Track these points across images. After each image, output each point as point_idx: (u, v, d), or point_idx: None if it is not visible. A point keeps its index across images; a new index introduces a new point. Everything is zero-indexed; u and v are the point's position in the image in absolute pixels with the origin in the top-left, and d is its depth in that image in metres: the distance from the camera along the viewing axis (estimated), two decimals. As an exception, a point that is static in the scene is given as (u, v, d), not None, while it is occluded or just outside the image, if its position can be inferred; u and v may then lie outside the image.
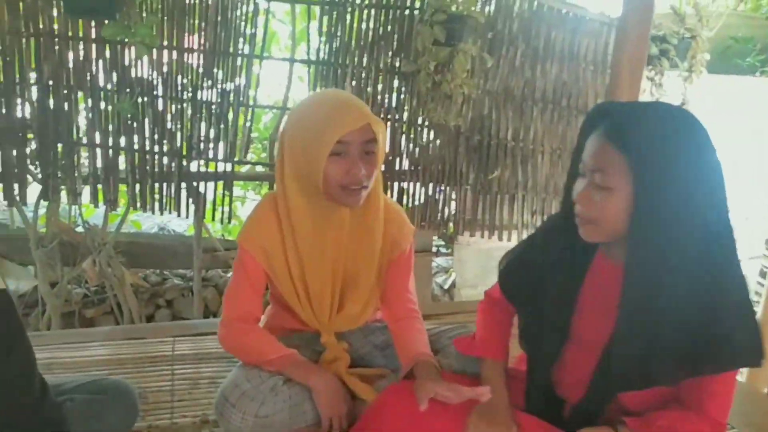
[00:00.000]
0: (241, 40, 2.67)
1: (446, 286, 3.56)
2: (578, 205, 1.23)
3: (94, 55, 2.57)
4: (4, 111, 2.57)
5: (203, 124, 2.73)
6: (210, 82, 2.68)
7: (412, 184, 2.93)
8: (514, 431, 1.35)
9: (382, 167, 1.74)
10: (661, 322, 1.15)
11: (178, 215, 2.85)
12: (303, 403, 1.54)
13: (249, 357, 1.61)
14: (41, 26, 2.52)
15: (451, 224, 3.05)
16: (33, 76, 2.59)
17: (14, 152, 2.63)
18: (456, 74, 2.51)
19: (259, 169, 3.04)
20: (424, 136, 2.86)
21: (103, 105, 2.65)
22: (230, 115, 2.75)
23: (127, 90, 2.60)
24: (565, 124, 3.01)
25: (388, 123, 2.80)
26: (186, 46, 2.64)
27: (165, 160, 2.75)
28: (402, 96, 2.76)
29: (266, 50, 2.79)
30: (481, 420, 1.37)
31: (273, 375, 1.56)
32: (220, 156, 2.80)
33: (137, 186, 2.76)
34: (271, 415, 1.50)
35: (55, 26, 2.54)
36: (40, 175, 2.67)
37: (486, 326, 1.56)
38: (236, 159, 2.81)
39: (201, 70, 2.67)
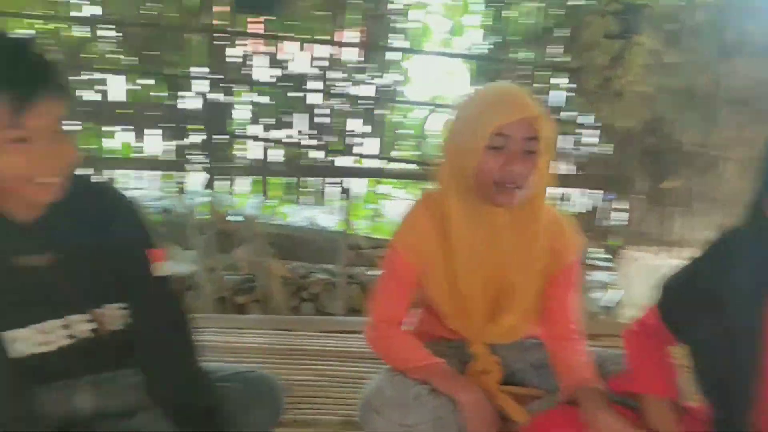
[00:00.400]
0: (394, 34, 2.63)
1: (609, 304, 3.27)
2: None
3: (253, 50, 2.65)
4: (176, 102, 2.72)
5: (354, 120, 2.73)
6: (363, 78, 2.66)
7: (572, 189, 2.72)
8: None
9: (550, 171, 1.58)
10: None
11: (329, 209, 2.87)
12: (448, 416, 1.42)
13: (395, 362, 1.52)
14: (209, 22, 2.64)
15: (612, 236, 2.80)
16: (193, 71, 2.72)
17: (182, 143, 2.78)
18: (629, 70, 2.28)
19: (408, 167, 2.98)
20: (589, 137, 2.64)
21: (260, 99, 2.72)
22: (381, 112, 2.72)
23: (284, 84, 2.65)
24: (759, 128, 2.64)
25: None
26: (341, 40, 2.64)
27: (317, 154, 2.77)
28: (567, 94, 2.57)
29: (420, 45, 2.72)
30: None
31: (418, 383, 1.46)
32: (371, 152, 2.77)
33: (291, 179, 2.81)
34: (415, 425, 1.39)
35: (217, 22, 2.65)
36: (203, 166, 2.81)
37: (643, 357, 1.35)
38: (386, 156, 2.77)
39: (355, 64, 2.65)
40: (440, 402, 1.41)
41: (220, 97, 2.72)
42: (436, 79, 2.74)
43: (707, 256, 1.30)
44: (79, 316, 1.30)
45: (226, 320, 2.24)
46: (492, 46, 2.59)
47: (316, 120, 2.74)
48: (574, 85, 2.55)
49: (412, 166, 2.96)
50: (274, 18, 2.46)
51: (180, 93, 2.72)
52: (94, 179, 1.38)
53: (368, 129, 2.76)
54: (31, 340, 1.28)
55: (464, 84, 2.85)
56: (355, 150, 2.79)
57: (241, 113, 2.78)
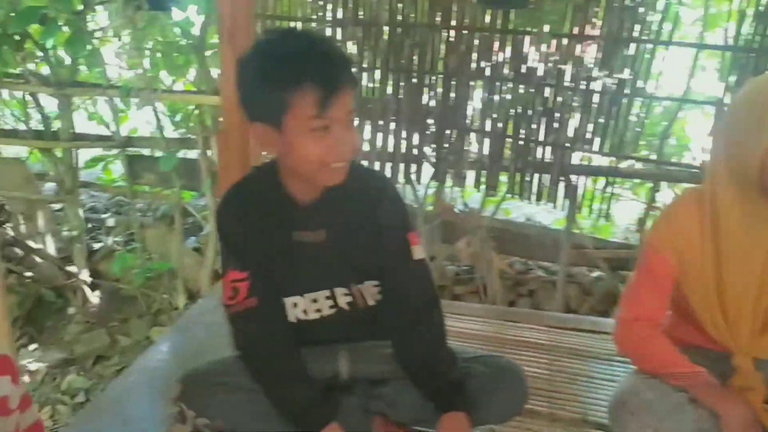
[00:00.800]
0: (639, 26, 2.49)
1: None
2: None
3: (496, 46, 2.68)
4: (413, 97, 2.86)
5: (591, 116, 2.64)
6: (605, 72, 2.57)
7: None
8: None
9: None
10: None
11: (554, 207, 2.83)
12: (710, 428, 1.34)
13: (649, 365, 1.46)
14: (453, 20, 2.73)
15: None
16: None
17: (417, 136, 2.91)
18: None
19: (642, 166, 2.83)
20: None
21: (497, 94, 2.75)
22: (621, 108, 2.60)
23: (520, 81, 2.65)
24: None
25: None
26: (585, 32, 2.58)
27: (547, 151, 2.74)
28: None
29: (672, 36, 2.55)
30: None
31: (678, 390, 1.39)
32: (604, 150, 2.68)
33: (517, 175, 2.81)
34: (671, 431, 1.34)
35: (466, 19, 2.72)
36: (434, 158, 2.92)
37: None
38: (621, 154, 2.65)
39: (597, 58, 2.57)
40: (702, 414, 1.34)
41: (457, 91, 2.79)
42: (683, 74, 2.55)
43: None
44: (342, 290, 1.45)
45: (454, 306, 2.32)
46: (753, 36, 2.35)
47: (552, 116, 2.70)
48: None
49: (648, 166, 2.80)
50: (518, 11, 2.47)
51: (421, 88, 2.85)
52: (364, 167, 1.50)
53: (599, 126, 2.66)
54: (303, 307, 1.44)
55: (714, 79, 2.63)
56: (586, 147, 2.70)
57: (475, 108, 2.84)
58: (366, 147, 2.96)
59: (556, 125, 2.70)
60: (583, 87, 2.62)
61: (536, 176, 2.80)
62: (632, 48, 2.54)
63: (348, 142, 1.28)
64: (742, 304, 1.42)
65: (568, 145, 2.71)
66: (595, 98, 2.62)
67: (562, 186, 2.79)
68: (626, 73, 2.57)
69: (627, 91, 2.57)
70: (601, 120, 2.64)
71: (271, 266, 1.40)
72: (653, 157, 2.85)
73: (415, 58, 2.81)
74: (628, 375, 1.50)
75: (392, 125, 2.90)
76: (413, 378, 1.45)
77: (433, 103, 2.85)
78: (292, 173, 1.35)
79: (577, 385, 1.78)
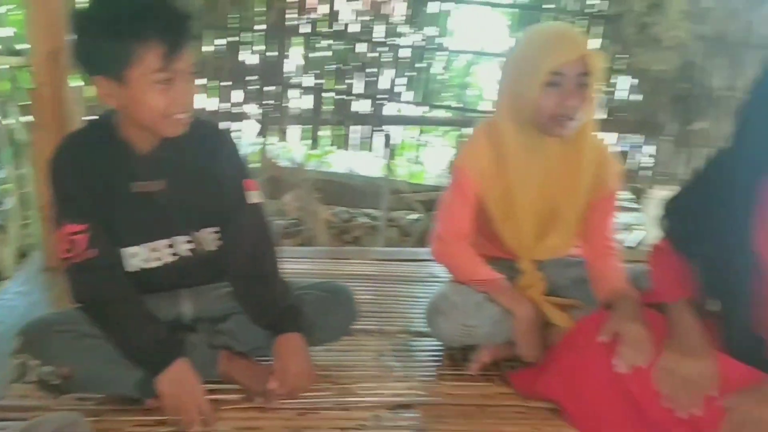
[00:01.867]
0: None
1: (632, 245, 3.44)
2: None
3: (312, 3, 2.80)
4: (233, 55, 2.89)
5: (401, 70, 2.88)
6: (412, 29, 2.81)
7: (604, 133, 2.86)
8: (711, 365, 1.34)
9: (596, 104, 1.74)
10: None
11: (372, 154, 3.05)
12: (504, 322, 1.63)
13: (460, 274, 1.72)
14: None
15: (640, 179, 2.95)
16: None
17: (239, 93, 2.96)
18: (668, 16, 2.40)
19: (447, 114, 3.15)
20: (622, 83, 2.78)
21: (312, 51, 2.88)
22: (425, 62, 2.87)
23: (335, 37, 2.81)
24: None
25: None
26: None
27: (364, 103, 2.94)
28: (603, 40, 2.70)
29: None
30: (676, 353, 1.37)
31: (479, 293, 1.66)
32: (414, 100, 2.94)
33: (338, 128, 2.99)
34: (475, 327, 1.61)
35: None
36: (257, 116, 2.99)
37: (661, 272, 1.54)
38: (429, 103, 2.93)
39: (405, 15, 2.80)
40: (498, 310, 1.63)
41: (275, 49, 2.87)
42: (477, 30, 2.87)
43: (699, 178, 1.49)
44: (182, 237, 1.53)
45: (287, 251, 2.45)
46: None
47: (364, 71, 2.89)
48: (612, 33, 2.67)
49: (452, 114, 3.12)
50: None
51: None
52: (200, 118, 1.57)
53: (410, 79, 2.91)
54: (143, 256, 1.50)
55: (505, 34, 2.98)
56: (399, 99, 2.94)
57: (292, 65, 2.94)
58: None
59: (370, 79, 2.89)
60: (392, 43, 2.84)
61: (355, 128, 2.99)
62: (435, 6, 2.79)
63: (190, 93, 1.35)
64: (526, 218, 1.72)
65: (382, 97, 2.93)
66: (404, 53, 2.86)
67: (379, 136, 3.01)
68: (430, 31, 2.83)
69: (431, 46, 2.84)
70: (411, 74, 2.89)
71: (110, 217, 1.42)
72: (457, 105, 3.19)
73: (231, 16, 2.84)
74: (444, 284, 1.76)
75: (213, 84, 2.91)
76: (250, 311, 1.57)
77: (253, 60, 2.91)
78: (134, 125, 1.38)
79: (401, 305, 2.01)
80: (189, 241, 1.55)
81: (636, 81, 2.76)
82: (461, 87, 3.09)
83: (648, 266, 1.60)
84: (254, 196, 1.58)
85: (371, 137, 3.00)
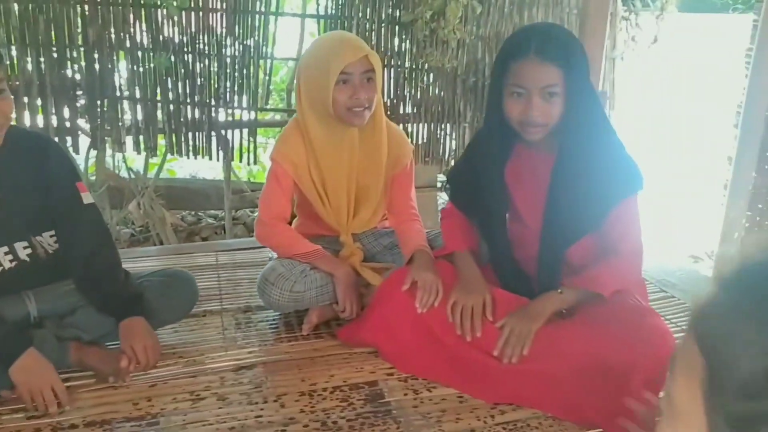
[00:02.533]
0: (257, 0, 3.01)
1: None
2: (535, 117, 1.56)
3: (132, 18, 2.92)
4: (57, 72, 2.94)
5: (228, 78, 3.09)
6: (232, 40, 3.03)
7: (415, 125, 3.27)
8: (487, 298, 1.73)
9: (384, 97, 2.08)
10: (580, 184, 1.59)
11: (210, 159, 3.23)
12: (327, 285, 1.93)
13: (283, 251, 1.99)
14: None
15: (453, 160, 3.40)
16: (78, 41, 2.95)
17: (66, 108, 3.01)
18: (449, 21, 2.83)
19: (278, 117, 3.40)
20: (425, 79, 3.19)
21: (140, 63, 3.01)
22: (251, 70, 3.10)
23: (159, 49, 2.96)
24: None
25: (392, 69, 3.14)
26: (210, 6, 2.99)
27: (196, 111, 3.11)
28: (403, 43, 3.09)
29: (280, 8, 3.13)
30: (461, 292, 1.75)
31: (302, 263, 1.94)
32: (244, 106, 3.16)
33: (173, 135, 3.14)
34: (302, 292, 1.90)
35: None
36: (88, 129, 3.06)
37: (449, 229, 1.94)
38: (258, 107, 3.17)
39: (224, 28, 3.01)
40: (320, 275, 1.92)
41: (102, 62, 2.96)
42: (295, 38, 3.16)
43: (465, 153, 1.93)
44: (20, 243, 1.67)
45: (132, 252, 2.61)
46: (340, 5, 3.05)
47: (194, 80, 3.07)
48: (408, 36, 3.07)
49: (282, 116, 3.38)
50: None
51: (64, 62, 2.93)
52: (24, 129, 1.71)
53: (239, 85, 3.13)
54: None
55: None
56: (230, 104, 3.16)
57: (123, 77, 3.05)
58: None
59: (199, 86, 3.07)
60: (217, 53, 3.04)
61: (190, 134, 3.15)
62: (252, 18, 3.04)
63: (3, 107, 1.50)
64: (339, 197, 2.04)
65: (212, 103, 3.12)
66: (230, 62, 3.07)
67: (215, 141, 3.20)
68: (254, 39, 3.07)
69: (252, 54, 3.08)
70: (237, 81, 3.11)
71: None
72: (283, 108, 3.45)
73: (53, 33, 2.89)
74: (271, 260, 2.02)
75: (38, 101, 2.94)
76: (95, 303, 1.74)
77: (78, 75, 2.97)
78: None
79: (242, 287, 2.25)
80: (26, 246, 1.68)
81: (434, 77, 3.18)
82: (287, 91, 3.36)
83: (441, 226, 1.98)
84: (87, 197, 1.75)
85: (208, 142, 3.17)
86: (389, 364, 1.80)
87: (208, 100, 3.10)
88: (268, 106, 3.30)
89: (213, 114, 3.14)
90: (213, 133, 3.16)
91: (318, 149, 1.97)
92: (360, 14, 3.00)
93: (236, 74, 3.08)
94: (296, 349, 1.89)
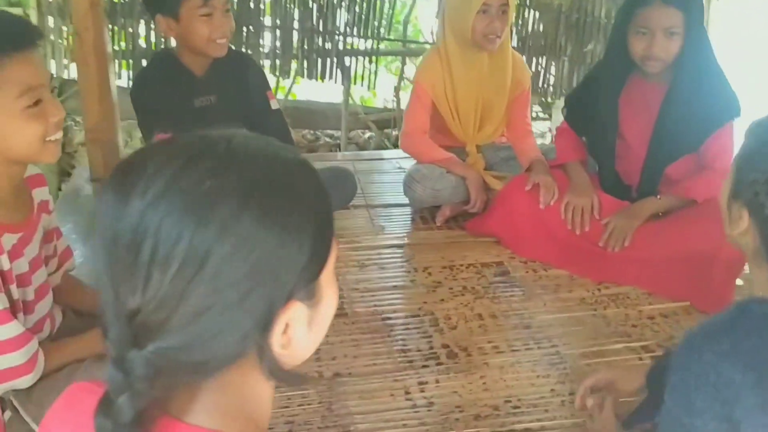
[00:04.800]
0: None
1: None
2: (656, 53, 1.89)
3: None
4: None
5: (349, 10, 3.47)
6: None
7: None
8: (595, 199, 2.10)
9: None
10: (687, 112, 1.92)
11: (335, 83, 3.65)
12: (459, 186, 2.34)
13: (425, 157, 2.40)
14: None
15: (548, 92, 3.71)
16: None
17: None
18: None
19: (393, 47, 3.79)
20: (527, 14, 3.49)
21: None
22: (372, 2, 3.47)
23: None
24: None
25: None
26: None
27: (326, 40, 3.52)
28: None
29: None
30: (573, 194, 2.13)
31: (441, 167, 2.35)
32: (366, 36, 3.55)
33: (305, 61, 3.57)
34: (441, 190, 2.32)
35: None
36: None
37: (562, 143, 2.30)
38: (378, 37, 3.56)
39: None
40: (454, 178, 2.33)
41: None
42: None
43: (585, 79, 2.25)
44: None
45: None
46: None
47: (322, 10, 3.46)
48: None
49: (398, 46, 3.75)
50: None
51: None
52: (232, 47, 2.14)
53: (360, 17, 3.51)
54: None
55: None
56: (352, 34, 3.55)
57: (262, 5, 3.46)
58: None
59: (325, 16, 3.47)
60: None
61: (320, 60, 3.57)
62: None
63: (227, 23, 1.92)
64: (468, 113, 2.42)
65: (338, 32, 3.52)
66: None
67: (337, 67, 3.62)
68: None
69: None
70: (360, 13, 3.48)
71: (182, 128, 2.00)
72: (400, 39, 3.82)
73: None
74: (412, 165, 2.45)
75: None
76: None
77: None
78: (190, 52, 1.95)
79: (380, 188, 2.70)
80: None
81: (538, 14, 3.47)
82: (402, 23, 3.72)
83: (554, 141, 2.36)
84: (275, 104, 2.19)
85: (331, 68, 3.59)
86: (510, 251, 2.22)
87: (334, 30, 3.50)
88: (389, 37, 3.67)
89: (339, 43, 3.54)
90: (335, 60, 3.58)
91: (454, 71, 2.35)
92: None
93: (357, 8, 3.45)
94: (433, 236, 2.33)
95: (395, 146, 3.99)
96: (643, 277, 2.00)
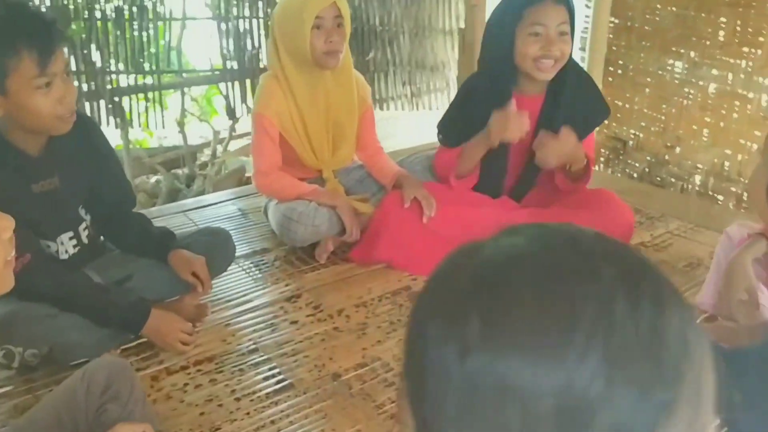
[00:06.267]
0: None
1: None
2: (554, 51, 1.94)
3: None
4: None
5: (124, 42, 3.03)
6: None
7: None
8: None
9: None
10: (563, 118, 2.05)
11: (107, 125, 3.14)
12: (333, 216, 2.21)
13: (287, 194, 2.20)
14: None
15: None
16: None
17: None
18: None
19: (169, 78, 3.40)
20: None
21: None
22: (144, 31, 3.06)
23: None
24: (417, 6, 3.76)
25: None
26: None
27: (93, 79, 3.01)
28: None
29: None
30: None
31: (309, 202, 2.18)
32: (140, 69, 3.13)
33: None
34: (320, 224, 2.17)
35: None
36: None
37: (443, 163, 2.28)
38: (153, 71, 3.16)
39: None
40: (326, 209, 2.18)
41: None
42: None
43: (458, 98, 2.29)
44: (81, 226, 1.71)
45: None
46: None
47: (90, 46, 2.96)
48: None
49: (173, 78, 3.39)
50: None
51: None
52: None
53: (125, 50, 3.09)
54: (54, 249, 1.64)
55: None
56: (116, 71, 3.10)
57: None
58: None
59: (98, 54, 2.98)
60: (114, 16, 2.96)
61: (87, 104, 3.04)
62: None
63: (71, 92, 1.51)
64: (321, 138, 2.28)
65: (108, 70, 3.04)
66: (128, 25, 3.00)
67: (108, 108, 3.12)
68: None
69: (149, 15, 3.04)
70: (125, 44, 3.06)
71: (21, 219, 1.53)
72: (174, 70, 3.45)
73: None
74: (273, 206, 2.24)
75: None
76: (139, 250, 1.84)
77: None
78: (22, 130, 1.50)
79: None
80: (85, 228, 1.74)
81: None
82: (174, 52, 3.36)
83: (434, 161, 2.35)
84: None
85: (100, 111, 3.09)
86: (408, 272, 2.16)
87: (103, 68, 3.01)
88: (165, 69, 3.29)
89: (106, 82, 3.06)
90: (107, 101, 3.09)
91: (298, 95, 2.19)
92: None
93: (132, 36, 3.03)
94: (324, 275, 2.16)
95: (188, 186, 3.63)
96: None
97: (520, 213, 2.19)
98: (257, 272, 2.19)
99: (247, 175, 3.78)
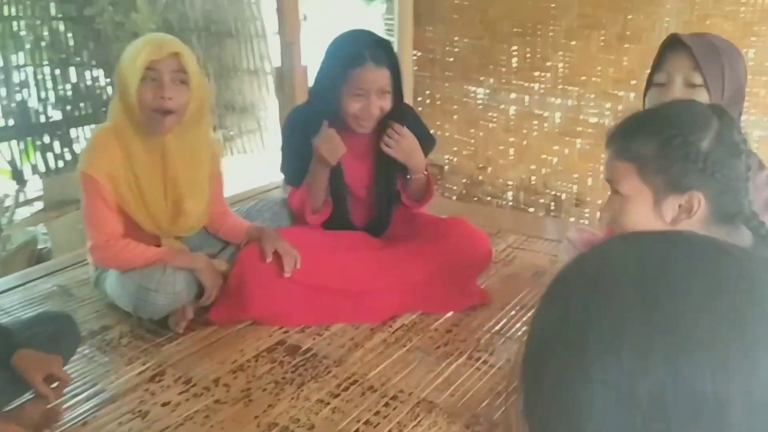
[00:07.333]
0: None
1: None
2: (373, 112, 2.03)
3: None
4: None
5: None
6: None
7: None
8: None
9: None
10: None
11: None
12: (191, 278, 1.99)
13: (134, 264, 1.91)
14: None
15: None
16: None
17: None
18: (141, 12, 2.88)
19: None
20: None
21: None
22: None
23: None
24: (218, 48, 3.59)
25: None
26: None
27: None
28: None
29: None
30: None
31: (159, 267, 1.92)
32: None
33: None
34: (180, 290, 1.93)
35: None
36: None
37: (297, 203, 2.23)
38: None
39: None
40: (183, 273, 1.95)
41: None
42: None
43: (285, 134, 2.25)
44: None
45: None
46: None
47: None
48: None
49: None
50: None
51: None
52: None
53: None
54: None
55: None
56: None
57: None
58: None
59: None
60: None
61: None
62: None
63: None
64: (157, 204, 1.99)
65: None
66: None
67: None
68: None
69: None
70: None
71: None
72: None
73: None
74: (117, 277, 1.96)
75: None
76: None
77: None
78: None
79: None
80: None
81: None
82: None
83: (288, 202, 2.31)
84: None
85: None
86: (278, 326, 2.03)
87: None
88: None
89: None
90: None
91: (133, 158, 1.90)
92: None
93: None
94: (184, 346, 1.93)
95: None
96: (413, 301, 2.12)
97: (383, 252, 2.18)
98: (102, 356, 1.88)
99: (40, 247, 3.29)
